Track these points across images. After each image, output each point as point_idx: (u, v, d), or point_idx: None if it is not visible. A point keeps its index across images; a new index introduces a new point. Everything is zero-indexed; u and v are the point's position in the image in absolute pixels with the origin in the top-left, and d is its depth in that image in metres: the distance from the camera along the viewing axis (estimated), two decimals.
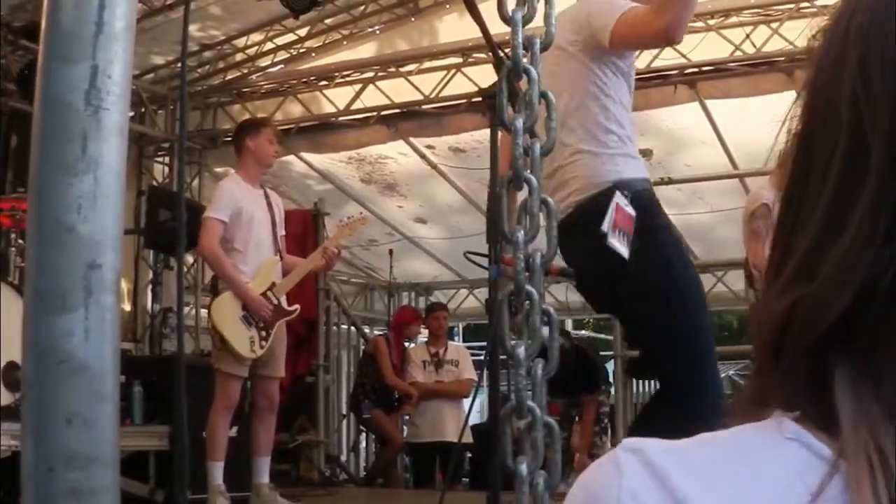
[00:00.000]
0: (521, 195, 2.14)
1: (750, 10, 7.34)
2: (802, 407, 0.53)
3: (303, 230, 8.25)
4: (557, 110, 2.26)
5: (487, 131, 3.26)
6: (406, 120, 8.58)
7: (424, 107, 8.45)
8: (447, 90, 8.26)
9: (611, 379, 8.66)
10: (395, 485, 8.46)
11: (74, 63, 1.53)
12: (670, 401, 2.90)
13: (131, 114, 6.11)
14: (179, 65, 7.99)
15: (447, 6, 8.16)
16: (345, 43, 8.57)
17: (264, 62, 8.90)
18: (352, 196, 9.61)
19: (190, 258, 8.51)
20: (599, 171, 2.90)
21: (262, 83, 9.09)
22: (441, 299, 10.48)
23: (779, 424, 0.53)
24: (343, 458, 9.18)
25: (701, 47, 7.25)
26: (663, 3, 2.73)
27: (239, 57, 8.82)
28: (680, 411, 2.76)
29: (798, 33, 6.96)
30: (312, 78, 8.86)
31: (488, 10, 2.53)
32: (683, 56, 7.41)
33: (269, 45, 8.64)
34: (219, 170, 9.06)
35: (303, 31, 8.44)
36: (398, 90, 8.45)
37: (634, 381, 8.21)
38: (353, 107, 8.63)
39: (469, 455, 8.02)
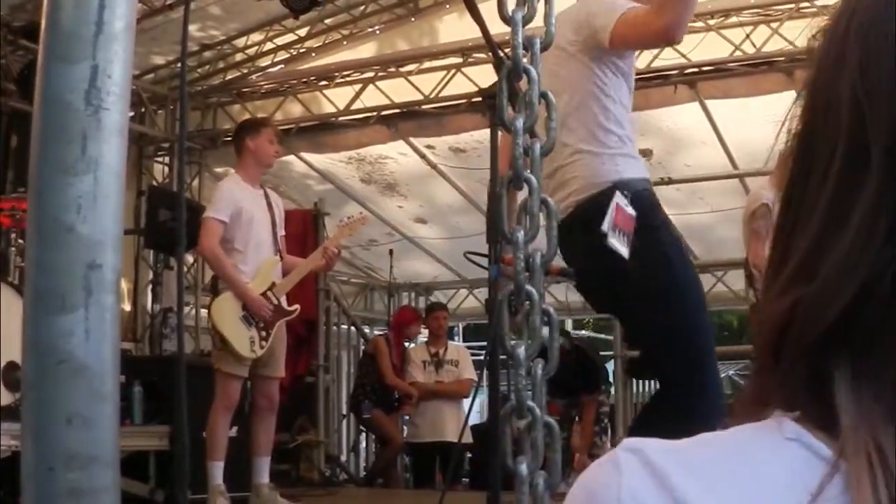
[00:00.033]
0: (522, 195, 2.14)
1: (750, 10, 7.34)
2: (802, 407, 0.53)
3: (303, 230, 8.25)
4: (557, 110, 2.26)
5: (487, 131, 3.26)
6: (406, 120, 8.58)
7: (424, 107, 8.44)
8: (447, 90, 8.26)
9: (611, 379, 8.66)
10: (395, 485, 8.46)
11: (74, 63, 1.53)
12: (670, 401, 2.90)
13: (131, 114, 6.11)
14: (179, 65, 7.99)
15: (447, 6, 8.16)
16: (345, 43, 8.57)
17: (264, 62, 8.90)
18: (352, 196, 9.61)
19: (190, 258, 8.51)
20: (599, 171, 2.90)
21: (262, 83, 9.09)
22: (441, 299, 10.48)
23: (779, 424, 0.53)
24: (343, 458, 9.18)
25: (701, 47, 7.25)
26: (663, 3, 2.73)
27: (239, 57, 8.82)
28: (680, 411, 2.76)
29: (798, 33, 6.96)
30: (312, 78, 8.86)
31: (488, 9, 2.53)
32: (683, 56, 7.41)
33: (269, 45, 8.64)
34: (219, 170, 9.06)
35: (303, 31, 8.44)
36: (398, 90, 8.45)
37: (634, 381, 8.21)
38: (353, 107, 8.63)
39: (469, 455, 8.03)
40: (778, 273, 0.55)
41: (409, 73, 8.44)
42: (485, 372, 3.82)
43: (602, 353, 9.35)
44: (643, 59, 6.93)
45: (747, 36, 7.30)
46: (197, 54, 8.55)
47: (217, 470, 5.05)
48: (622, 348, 7.86)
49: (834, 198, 0.52)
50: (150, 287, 8.76)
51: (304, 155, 9.20)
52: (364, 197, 9.66)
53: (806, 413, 0.53)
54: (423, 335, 8.76)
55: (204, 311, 7.74)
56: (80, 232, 1.51)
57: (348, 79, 8.69)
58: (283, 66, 8.95)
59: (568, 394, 7.40)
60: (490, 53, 3.04)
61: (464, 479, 8.42)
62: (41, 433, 1.49)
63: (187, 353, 6.52)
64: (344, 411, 9.34)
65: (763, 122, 7.07)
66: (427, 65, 8.42)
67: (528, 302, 2.05)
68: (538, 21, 2.21)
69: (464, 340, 13.75)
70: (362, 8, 8.17)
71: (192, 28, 7.85)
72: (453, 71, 8.25)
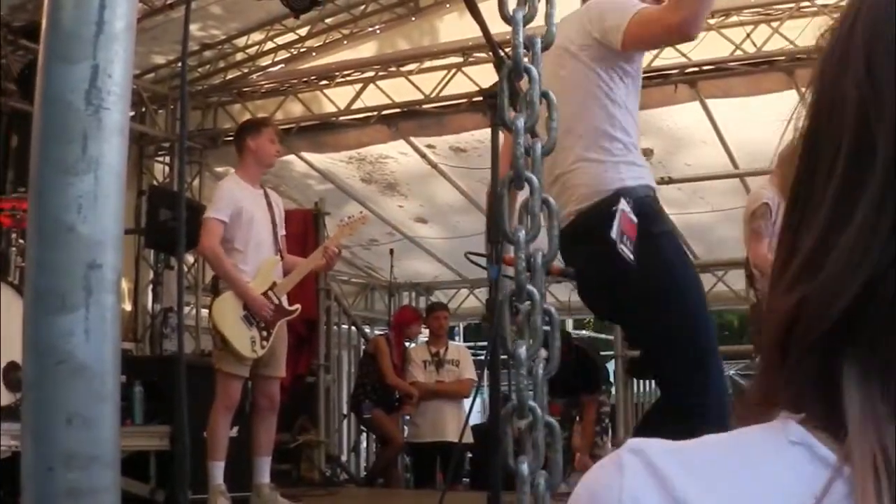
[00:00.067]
0: (522, 195, 2.14)
1: (750, 10, 7.34)
2: (808, 407, 0.53)
3: (303, 230, 8.25)
4: (562, 115, 2.26)
5: (488, 131, 3.26)
6: (407, 119, 8.58)
7: (425, 106, 8.44)
8: (448, 90, 8.26)
9: (611, 379, 8.66)
10: (395, 485, 8.46)
11: (75, 63, 1.53)
12: (672, 401, 2.90)
13: (132, 113, 6.10)
14: (180, 64, 8.00)
15: (447, 5, 8.15)
16: (345, 42, 8.57)
17: (265, 62, 8.90)
18: (352, 196, 9.61)
19: (190, 258, 8.51)
20: (602, 179, 2.89)
21: (263, 83, 9.09)
22: (441, 299, 10.48)
23: (784, 427, 0.53)
24: (344, 458, 9.18)
25: (701, 46, 7.23)
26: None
27: (239, 56, 8.83)
28: (681, 411, 2.76)
29: (798, 32, 6.97)
30: (313, 77, 8.86)
31: (489, 9, 2.53)
32: (684, 55, 7.41)
33: (269, 45, 8.64)
34: (219, 169, 9.06)
35: (303, 31, 8.44)
36: (399, 90, 8.45)
37: (635, 380, 8.22)
38: (354, 106, 8.63)
39: (469, 455, 8.03)
40: (784, 270, 0.55)
41: (410, 72, 8.44)
42: (485, 372, 3.82)
43: (603, 352, 9.35)
44: (644, 59, 6.92)
45: (748, 35, 7.30)
46: (197, 54, 8.55)
47: (218, 470, 5.05)
48: (623, 348, 7.86)
49: (838, 196, 0.52)
50: (150, 287, 8.76)
51: (305, 154, 9.20)
52: (364, 196, 9.66)
53: (812, 413, 0.53)
54: (424, 335, 8.76)
55: (204, 311, 7.74)
56: (81, 232, 1.50)
57: (349, 78, 8.69)
58: (283, 65, 8.95)
59: (568, 393, 7.39)
60: (491, 53, 3.04)
61: (464, 479, 8.43)
62: (41, 433, 1.49)
63: (188, 353, 6.53)
64: (344, 411, 9.34)
65: (763, 121, 7.06)
66: (427, 64, 8.42)
67: (529, 302, 2.05)
68: (539, 20, 2.21)
69: (464, 340, 13.75)
70: (363, 7, 8.17)
71: (193, 27, 7.85)
72: (454, 70, 8.25)
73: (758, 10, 7.33)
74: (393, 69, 8.53)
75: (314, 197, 9.08)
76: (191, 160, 9.05)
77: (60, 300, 1.49)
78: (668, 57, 7.29)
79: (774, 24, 7.21)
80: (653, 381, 8.10)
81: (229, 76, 9.02)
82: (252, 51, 8.73)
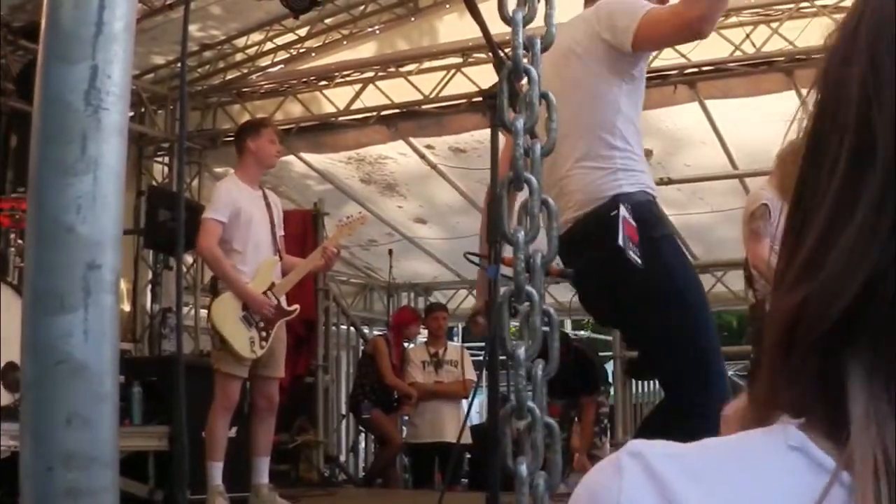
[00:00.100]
0: (522, 196, 2.14)
1: (750, 10, 7.34)
2: (810, 408, 0.53)
3: (302, 230, 8.25)
4: (561, 117, 2.25)
5: (487, 131, 3.26)
6: (406, 120, 8.58)
7: (424, 107, 8.44)
8: (447, 90, 8.26)
9: (610, 379, 8.67)
10: (394, 485, 8.46)
11: (74, 63, 1.53)
12: (673, 402, 2.90)
13: (131, 114, 6.11)
14: (179, 65, 7.99)
15: (447, 6, 8.15)
16: (345, 43, 8.57)
17: (264, 62, 8.90)
18: (351, 196, 9.61)
19: (189, 258, 8.51)
20: (599, 185, 2.88)
21: (262, 83, 9.08)
22: (440, 299, 10.47)
23: (783, 431, 0.53)
24: (342, 458, 9.18)
25: (700, 47, 7.23)
26: None
27: (239, 57, 8.82)
28: (682, 412, 2.76)
29: (798, 33, 6.97)
30: (312, 78, 8.86)
31: (488, 9, 2.53)
32: (683, 56, 7.41)
33: (269, 45, 8.64)
34: (219, 170, 9.06)
35: (303, 31, 8.44)
36: (398, 90, 8.45)
37: (634, 381, 8.22)
38: (353, 107, 8.63)
39: (468, 456, 8.03)
40: (787, 270, 0.55)
41: (409, 73, 8.44)
42: (483, 372, 3.82)
43: (601, 353, 9.36)
44: None
45: (747, 36, 7.30)
46: (197, 54, 8.55)
47: (216, 470, 5.05)
48: (621, 349, 7.87)
49: (839, 195, 0.52)
50: (149, 287, 8.76)
51: (304, 155, 9.20)
52: (364, 197, 9.65)
53: (813, 415, 0.53)
54: (423, 335, 8.76)
55: (203, 312, 7.74)
56: (80, 232, 1.50)
57: (348, 79, 8.69)
58: (283, 66, 8.95)
59: (567, 394, 7.39)
60: (490, 53, 3.03)
61: (463, 480, 8.42)
62: (40, 433, 1.49)
63: (186, 354, 6.53)
64: (343, 411, 9.33)
65: (763, 122, 7.07)
66: (427, 65, 8.42)
67: (527, 303, 2.05)
68: (538, 21, 2.21)
69: (463, 341, 13.74)
70: (362, 8, 8.17)
71: (192, 28, 7.85)
72: (453, 71, 8.25)
73: (757, 10, 7.33)
74: (392, 70, 8.53)
75: (313, 197, 9.08)
76: (190, 161, 9.04)
77: (59, 300, 1.49)
78: (667, 58, 7.28)
79: (774, 25, 7.21)
80: (651, 382, 8.13)
81: (229, 77, 9.02)
82: (251, 51, 8.73)
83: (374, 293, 11.73)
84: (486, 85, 3.47)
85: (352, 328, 9.95)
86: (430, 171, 9.18)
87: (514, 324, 2.16)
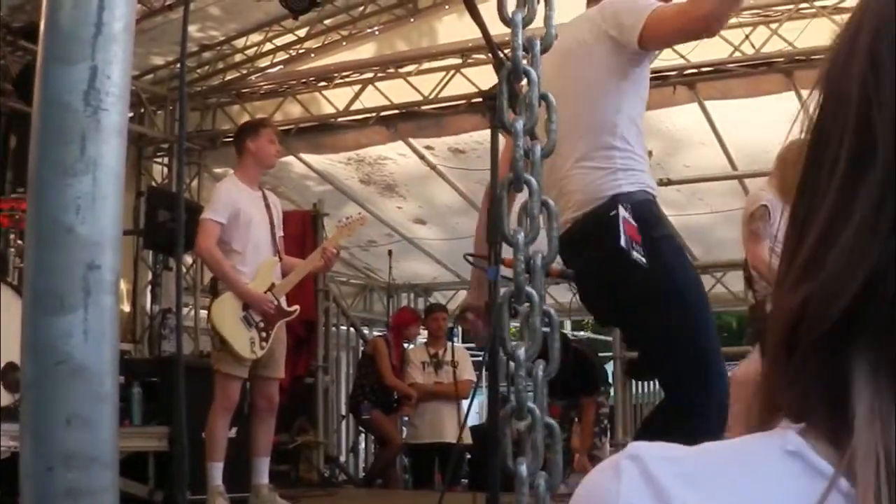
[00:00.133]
0: (521, 197, 2.14)
1: (749, 11, 7.34)
2: (812, 408, 0.53)
3: (302, 231, 8.25)
4: (562, 117, 2.25)
5: (487, 132, 3.25)
6: (405, 121, 8.59)
7: (424, 108, 8.45)
8: (446, 91, 8.27)
9: (610, 380, 8.67)
10: (394, 486, 8.46)
11: (73, 64, 1.53)
12: (673, 401, 2.89)
13: (130, 114, 6.11)
14: (179, 65, 7.99)
15: (446, 7, 8.16)
16: (344, 44, 8.57)
17: (263, 63, 8.90)
18: (351, 197, 9.61)
19: (189, 259, 8.51)
20: (598, 186, 2.86)
21: (262, 84, 9.09)
22: (440, 300, 10.47)
23: (782, 436, 0.53)
24: (342, 458, 9.18)
25: (700, 48, 7.25)
26: None
27: (238, 57, 8.83)
28: (682, 412, 2.75)
29: (797, 34, 6.97)
30: (312, 79, 8.86)
31: (488, 10, 2.53)
32: (682, 57, 7.42)
33: (268, 46, 8.64)
34: (218, 170, 9.07)
35: (302, 32, 8.44)
36: (397, 91, 8.45)
37: (633, 382, 8.22)
38: (353, 107, 8.63)
39: (468, 456, 8.02)
40: (789, 269, 0.55)
41: (409, 73, 8.44)
42: (483, 373, 3.82)
43: (601, 353, 9.35)
44: None
45: (746, 37, 7.30)
46: (196, 55, 8.55)
47: (216, 471, 5.05)
48: (621, 349, 7.87)
49: (840, 193, 0.52)
50: (149, 288, 8.76)
51: (304, 156, 9.20)
52: (363, 198, 9.65)
53: (815, 415, 0.53)
54: (423, 336, 8.76)
55: (203, 312, 7.74)
56: (79, 233, 1.50)
57: (347, 79, 8.69)
58: (282, 66, 8.95)
59: (567, 395, 7.40)
60: (490, 54, 3.03)
61: (463, 480, 8.42)
62: (40, 434, 1.49)
63: (186, 354, 6.53)
64: (343, 412, 9.33)
65: (762, 122, 7.07)
66: (426, 66, 8.42)
67: (528, 303, 2.05)
68: (538, 22, 2.21)
69: (463, 342, 13.74)
70: (361, 9, 8.17)
71: (192, 29, 7.85)
72: (452, 72, 8.25)
73: (756, 11, 7.33)
74: (392, 70, 8.53)
75: (313, 198, 9.08)
76: (189, 161, 9.05)
77: (59, 301, 1.49)
78: (666, 58, 7.28)
79: (773, 26, 7.21)
80: (651, 382, 8.13)
81: (228, 77, 9.02)
82: (251, 52, 8.73)
83: (374, 294, 11.73)
84: (485, 86, 3.47)
85: (352, 329, 9.95)
86: (430, 172, 9.18)
87: (515, 324, 2.16)
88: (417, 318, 8.73)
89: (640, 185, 2.91)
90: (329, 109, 8.79)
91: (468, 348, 8.94)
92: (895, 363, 0.50)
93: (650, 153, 7.67)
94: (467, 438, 7.27)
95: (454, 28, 7.97)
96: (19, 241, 5.37)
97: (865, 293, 0.50)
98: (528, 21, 2.17)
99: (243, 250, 5.20)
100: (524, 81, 2.16)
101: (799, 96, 6.97)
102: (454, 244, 9.45)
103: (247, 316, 5.15)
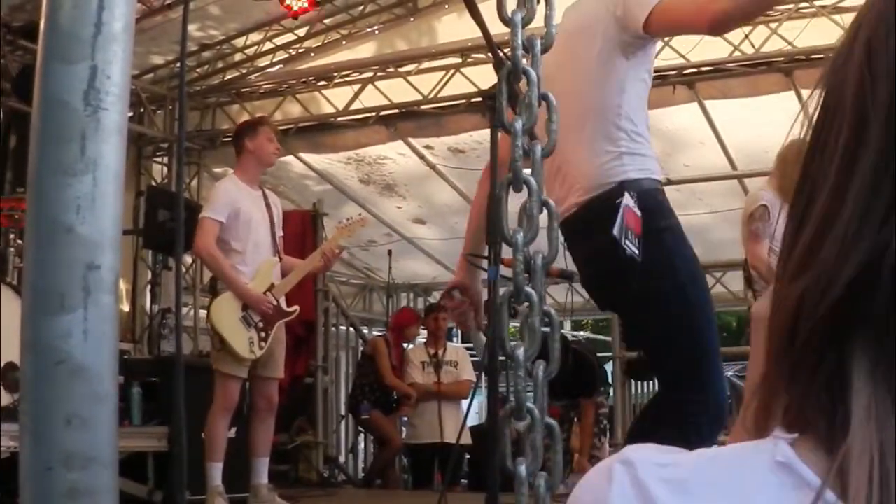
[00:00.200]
0: (521, 198, 2.13)
1: None
2: (811, 407, 0.53)
3: (301, 231, 8.25)
4: (565, 98, 2.23)
5: (487, 131, 3.25)
6: (405, 120, 8.59)
7: (423, 107, 8.45)
8: (446, 90, 8.27)
9: (609, 380, 8.66)
10: (393, 486, 8.45)
11: (73, 63, 1.53)
12: (672, 399, 2.87)
13: (130, 114, 6.11)
14: (178, 65, 7.99)
15: (446, 6, 8.16)
16: (344, 43, 8.57)
17: (263, 62, 8.90)
18: (350, 196, 9.61)
19: (189, 259, 8.50)
20: (604, 170, 2.81)
21: (261, 83, 9.09)
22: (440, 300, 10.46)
23: (773, 446, 0.53)
24: (342, 459, 9.18)
25: (700, 48, 7.26)
26: None
27: (238, 57, 8.83)
28: (679, 409, 2.74)
29: (797, 33, 6.97)
30: (311, 78, 8.86)
31: (488, 9, 2.52)
32: (682, 56, 7.42)
33: (268, 45, 8.64)
34: (218, 170, 9.07)
35: (302, 31, 8.44)
36: (397, 90, 8.46)
37: (633, 382, 8.21)
38: (352, 107, 8.63)
39: (468, 456, 8.02)
40: (787, 262, 0.55)
41: (408, 73, 8.45)
42: (482, 373, 3.82)
43: (601, 354, 9.35)
44: None
45: (746, 36, 7.30)
46: (196, 54, 8.55)
47: (216, 471, 5.05)
48: (621, 349, 7.86)
49: (835, 186, 0.52)
50: (148, 288, 8.75)
51: (303, 155, 9.20)
52: (363, 197, 9.65)
53: (812, 415, 0.52)
54: (422, 336, 8.75)
55: (203, 312, 7.74)
56: (79, 232, 1.50)
57: (347, 79, 8.69)
58: (282, 66, 8.96)
59: (567, 396, 7.39)
60: (489, 54, 3.02)
61: (462, 481, 8.42)
62: (40, 433, 1.49)
63: (186, 354, 6.53)
64: (342, 412, 9.33)
65: (762, 122, 7.07)
66: (426, 65, 8.42)
67: (527, 304, 2.05)
68: (538, 21, 2.20)
69: (462, 342, 13.75)
70: (361, 8, 8.18)
71: (191, 28, 7.85)
72: (452, 71, 8.25)
73: None
74: (391, 70, 8.53)
75: (312, 198, 9.08)
76: (189, 161, 9.05)
77: (59, 301, 1.49)
78: (666, 58, 7.29)
79: (773, 26, 7.21)
80: (651, 382, 8.12)
81: (228, 77, 9.03)
82: (250, 51, 8.73)
83: (374, 294, 11.73)
84: (485, 85, 3.47)
85: (351, 329, 9.95)
86: (430, 172, 9.18)
87: (514, 325, 2.16)
88: (417, 318, 8.72)
89: (647, 171, 2.85)
90: (329, 109, 8.79)
91: (467, 348, 8.93)
92: (892, 359, 0.50)
93: None
94: (467, 438, 7.27)
95: (454, 27, 7.98)
96: (19, 241, 5.37)
97: (860, 282, 0.50)
98: (527, 21, 2.17)
99: (243, 249, 5.19)
100: (524, 81, 2.16)
101: (799, 96, 6.97)
102: (454, 244, 9.44)
103: (246, 316, 5.14)
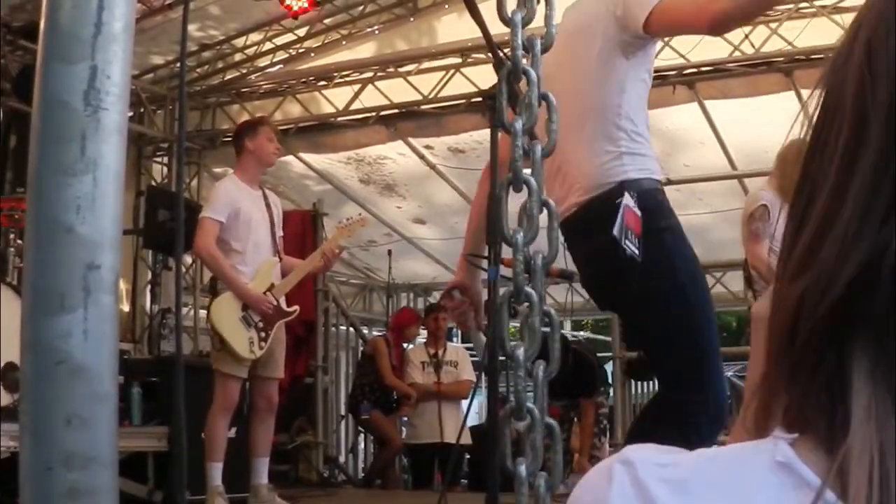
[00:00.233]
0: (521, 197, 2.13)
1: None
2: (811, 407, 0.53)
3: (301, 231, 8.25)
4: (566, 97, 2.23)
5: (486, 131, 3.25)
6: (405, 120, 8.59)
7: (423, 107, 8.45)
8: (446, 90, 8.27)
9: (609, 380, 8.66)
10: (393, 486, 8.45)
11: (73, 63, 1.53)
12: (672, 399, 2.87)
13: (130, 114, 6.11)
14: (178, 65, 7.99)
15: (446, 6, 8.16)
16: (344, 43, 8.58)
17: (263, 62, 8.90)
18: (350, 196, 9.61)
19: (189, 258, 8.51)
20: (605, 170, 2.80)
21: (261, 83, 9.09)
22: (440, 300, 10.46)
23: (773, 446, 0.53)
24: (341, 459, 9.18)
25: (700, 48, 7.26)
26: None
27: (238, 57, 8.83)
28: (679, 409, 2.74)
29: (797, 33, 6.97)
30: (311, 78, 8.86)
31: (488, 9, 2.52)
32: (682, 56, 7.42)
33: (268, 45, 8.65)
34: (218, 170, 9.07)
35: (302, 31, 8.44)
36: (397, 90, 8.46)
37: (633, 382, 8.21)
38: (352, 107, 8.63)
39: (468, 456, 8.02)
40: (788, 262, 0.55)
41: (408, 73, 8.45)
42: (482, 373, 3.82)
43: (601, 354, 9.35)
44: None
45: (746, 36, 7.30)
46: (196, 54, 8.55)
47: (216, 471, 5.05)
48: (621, 349, 7.86)
49: (835, 186, 0.52)
50: (148, 288, 8.75)
51: (303, 155, 9.20)
52: (363, 197, 9.66)
53: (812, 416, 0.52)
54: (422, 336, 8.75)
55: (203, 312, 7.74)
56: (79, 232, 1.50)
57: (347, 79, 8.69)
58: (282, 66, 8.96)
59: (566, 396, 7.39)
60: (489, 54, 3.02)
61: (462, 481, 8.42)
62: (40, 433, 1.49)
63: (186, 354, 6.53)
64: (342, 412, 9.33)
65: (762, 122, 7.07)
66: (426, 65, 8.42)
67: (527, 304, 2.05)
68: (538, 21, 2.20)
69: (462, 342, 13.75)
70: (361, 8, 8.18)
71: (191, 28, 7.85)
72: (452, 71, 8.25)
73: None
74: (391, 70, 8.53)
75: (312, 198, 9.08)
76: (189, 161, 9.05)
77: (59, 301, 1.49)
78: (666, 58, 7.29)
79: (773, 26, 7.21)
80: (651, 382, 8.13)
81: (228, 77, 9.03)
82: (250, 51, 8.73)
83: (374, 294, 11.73)
84: (485, 85, 3.47)
85: (351, 329, 9.95)
86: (430, 172, 9.18)
87: (514, 324, 2.16)
88: (417, 318, 8.72)
89: (647, 171, 2.84)
90: (329, 109, 8.79)
91: (467, 348, 8.93)
92: (894, 359, 0.50)
93: None
94: (467, 438, 7.27)
95: (454, 27, 7.98)
96: (19, 241, 5.37)
97: (860, 282, 0.50)
98: (527, 21, 2.17)
99: (243, 249, 5.19)
100: (524, 81, 2.15)
101: (799, 96, 6.97)
102: (454, 244, 9.44)
103: (246, 316, 5.14)
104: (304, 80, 8.89)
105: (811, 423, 0.52)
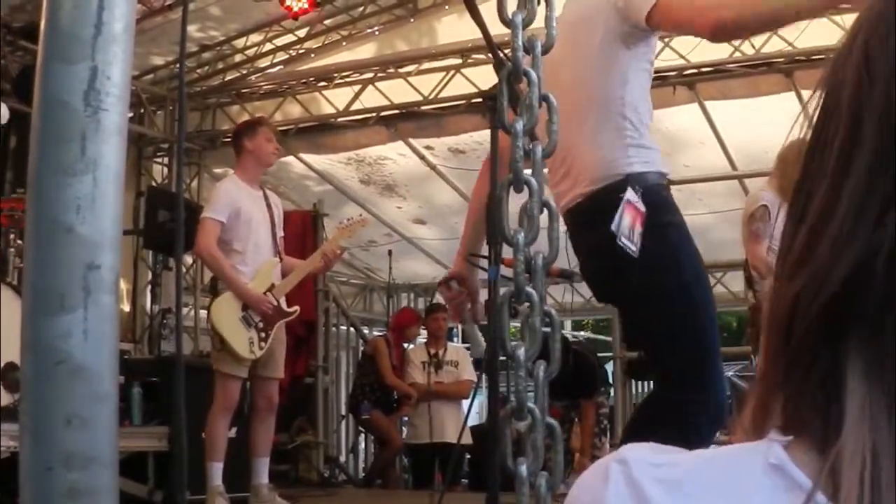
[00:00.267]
0: (522, 197, 2.13)
1: None
2: (806, 406, 0.53)
3: (302, 231, 8.25)
4: (569, 89, 2.21)
5: (487, 132, 3.25)
6: (405, 121, 8.59)
7: (423, 108, 8.45)
8: (446, 91, 8.27)
9: (610, 380, 8.67)
10: (393, 486, 8.46)
11: (73, 64, 1.53)
12: (671, 398, 2.85)
13: (130, 114, 6.11)
14: (178, 65, 7.99)
15: (446, 7, 8.16)
16: (344, 44, 8.58)
17: (263, 63, 8.91)
18: (351, 197, 9.61)
19: (189, 259, 8.51)
20: (610, 163, 2.78)
21: (262, 84, 9.09)
22: (440, 300, 10.46)
23: (767, 448, 0.53)
24: (342, 458, 9.18)
25: (700, 48, 7.25)
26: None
27: (238, 58, 8.83)
28: (678, 408, 2.73)
29: (797, 34, 6.96)
30: (311, 79, 8.86)
31: (488, 10, 2.52)
32: (682, 57, 7.42)
33: (268, 46, 8.65)
34: (218, 170, 9.07)
35: (302, 32, 8.44)
36: (397, 91, 8.46)
37: (633, 381, 8.22)
38: (353, 108, 8.63)
39: (468, 456, 8.02)
40: (785, 262, 0.55)
41: (409, 73, 8.45)
42: (482, 373, 3.83)
43: (601, 354, 9.35)
44: None
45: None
46: (196, 55, 8.55)
47: (216, 471, 5.05)
48: (621, 349, 7.87)
49: (831, 182, 0.52)
50: (148, 288, 8.76)
51: (303, 156, 9.20)
52: (363, 198, 9.66)
53: (807, 415, 0.53)
54: (423, 336, 8.76)
55: (203, 312, 7.74)
56: (79, 232, 1.51)
57: (347, 80, 8.69)
58: (282, 66, 8.96)
59: (567, 396, 7.40)
60: (490, 54, 3.02)
61: (463, 480, 8.42)
62: (40, 433, 1.49)
63: (186, 354, 6.53)
64: (343, 412, 9.33)
65: (762, 123, 7.07)
66: (426, 66, 8.42)
67: (528, 304, 2.05)
68: (538, 22, 2.20)
69: (463, 342, 13.75)
70: (361, 9, 8.18)
71: (192, 29, 7.86)
72: (452, 72, 8.25)
73: None
74: (392, 70, 8.54)
75: (312, 198, 9.08)
76: (189, 161, 9.06)
77: (59, 301, 1.49)
78: (666, 59, 7.29)
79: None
80: (651, 382, 8.13)
81: (228, 77, 9.03)
82: (251, 52, 8.73)
83: (374, 294, 11.73)
84: (485, 86, 3.47)
85: (352, 329, 9.95)
86: (430, 172, 9.18)
87: (515, 325, 2.16)
88: (418, 318, 8.73)
89: (652, 164, 2.83)
90: (329, 109, 8.79)
91: (467, 348, 8.93)
92: (888, 359, 0.50)
93: None
94: (467, 438, 7.27)
95: (454, 28, 7.98)
96: (19, 241, 5.37)
97: (854, 281, 0.50)
98: (528, 22, 2.17)
99: (244, 249, 5.19)
100: (524, 82, 2.15)
101: (799, 96, 6.97)
102: (454, 244, 9.38)
103: (246, 316, 5.15)
104: (304, 80, 8.89)
105: (806, 423, 0.52)
